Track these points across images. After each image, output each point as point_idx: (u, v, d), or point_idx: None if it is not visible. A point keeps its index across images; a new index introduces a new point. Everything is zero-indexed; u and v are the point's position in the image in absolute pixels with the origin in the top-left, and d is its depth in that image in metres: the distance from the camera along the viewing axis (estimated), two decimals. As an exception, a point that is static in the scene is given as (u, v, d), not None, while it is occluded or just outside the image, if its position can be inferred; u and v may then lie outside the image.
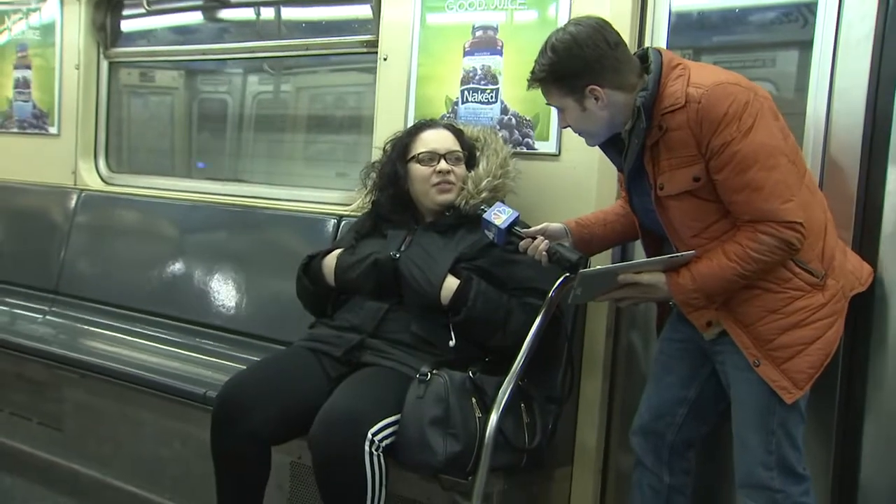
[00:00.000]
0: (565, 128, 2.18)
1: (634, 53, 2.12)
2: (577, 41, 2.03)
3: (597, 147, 2.32)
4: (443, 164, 2.53)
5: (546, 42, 2.08)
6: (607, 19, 2.10)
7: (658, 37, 2.52)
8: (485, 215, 2.31)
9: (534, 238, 2.26)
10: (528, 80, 2.13)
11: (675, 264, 2.06)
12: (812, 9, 2.28)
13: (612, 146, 2.18)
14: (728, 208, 2.00)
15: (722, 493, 2.46)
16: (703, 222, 2.04)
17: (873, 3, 2.18)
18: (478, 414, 2.23)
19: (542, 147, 2.70)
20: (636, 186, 2.16)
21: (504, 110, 2.77)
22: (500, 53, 2.77)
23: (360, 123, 3.54)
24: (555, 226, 2.30)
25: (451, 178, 2.52)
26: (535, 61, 2.10)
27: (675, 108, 1.98)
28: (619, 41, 2.07)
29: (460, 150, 2.57)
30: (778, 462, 2.05)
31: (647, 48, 2.11)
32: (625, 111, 2.06)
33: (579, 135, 2.19)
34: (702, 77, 2.00)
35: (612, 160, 2.26)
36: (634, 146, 2.06)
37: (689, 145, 1.98)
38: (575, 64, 2.03)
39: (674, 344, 2.30)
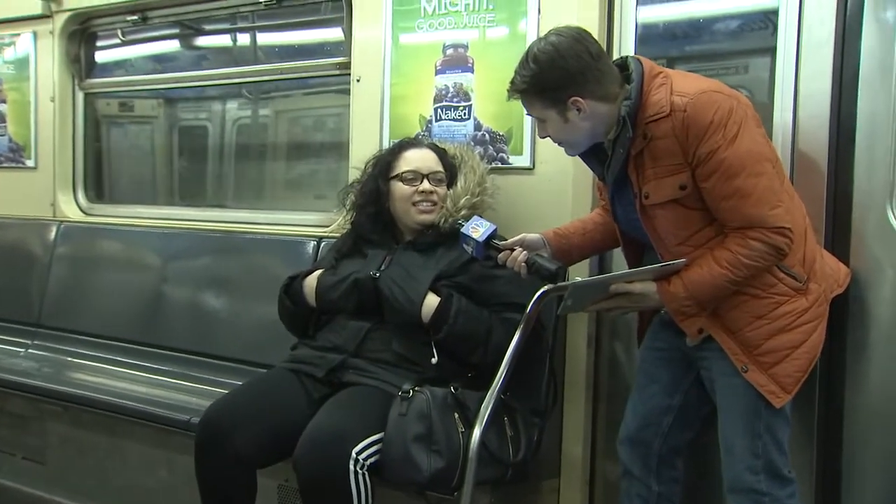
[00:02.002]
0: (545, 138, 2.17)
1: (613, 62, 2.12)
2: (559, 52, 2.02)
3: (571, 158, 2.34)
4: (425, 185, 2.54)
5: (527, 53, 2.07)
6: (578, 31, 2.10)
7: (626, 49, 2.54)
8: (462, 229, 2.32)
9: (512, 249, 2.26)
10: (509, 91, 2.12)
11: (666, 273, 2.07)
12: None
13: (593, 156, 2.19)
14: (715, 216, 2.02)
15: (710, 499, 2.46)
16: (689, 230, 2.05)
17: (832, 7, 2.22)
18: (461, 429, 2.24)
19: (516, 161, 2.72)
20: (619, 195, 2.16)
21: (477, 126, 2.79)
22: (472, 70, 2.79)
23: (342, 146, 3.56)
24: (532, 236, 2.30)
25: (434, 198, 2.54)
26: (516, 72, 2.09)
27: (659, 116, 1.99)
28: (601, 51, 2.08)
29: (443, 170, 2.58)
30: (765, 466, 2.06)
31: (627, 57, 2.12)
32: (606, 121, 2.07)
33: (559, 145, 2.18)
34: (685, 85, 2.01)
35: (592, 169, 2.27)
36: (619, 155, 2.06)
37: (675, 154, 1.99)
38: (558, 76, 2.03)
39: (656, 353, 2.31)
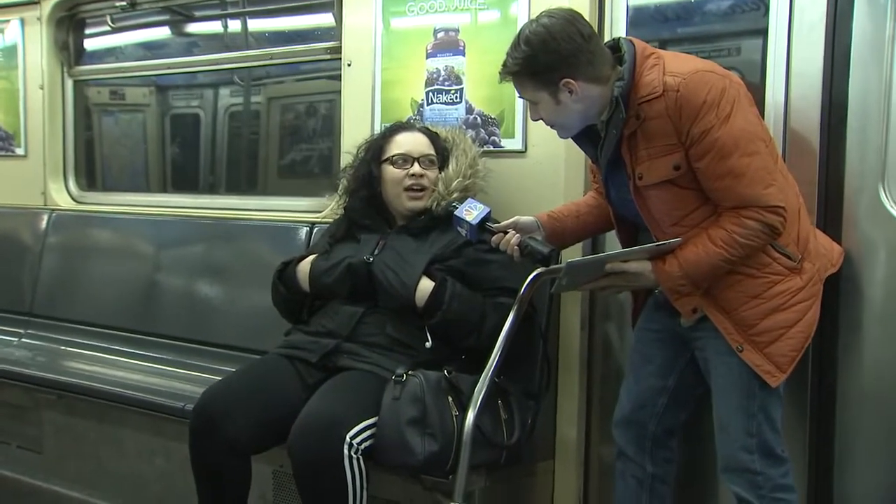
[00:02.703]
0: (537, 120, 2.16)
1: (605, 44, 2.11)
2: (551, 34, 2.02)
3: (563, 141, 2.33)
4: (416, 168, 2.54)
5: (519, 35, 2.07)
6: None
7: (617, 31, 2.53)
8: (456, 212, 2.32)
9: (505, 232, 2.26)
10: (500, 73, 2.12)
11: (661, 252, 2.07)
12: (768, -4, 2.32)
13: (586, 137, 2.18)
14: (709, 195, 2.02)
15: (704, 479, 2.47)
16: (683, 210, 2.05)
17: (824, -13, 2.22)
18: (455, 412, 2.24)
19: (508, 144, 2.71)
20: (613, 177, 2.16)
21: (469, 110, 2.78)
22: (463, 54, 2.78)
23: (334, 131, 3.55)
24: (525, 219, 2.30)
25: (424, 181, 2.53)
26: (508, 54, 2.08)
27: (652, 97, 1.99)
28: (592, 33, 2.07)
29: (434, 153, 2.58)
30: (759, 445, 2.07)
31: (619, 38, 2.11)
32: (599, 103, 2.07)
33: (552, 127, 2.18)
34: (677, 65, 2.01)
35: (585, 152, 2.27)
36: (612, 137, 2.07)
37: (668, 134, 1.99)
38: (550, 58, 2.02)
39: (650, 334, 2.31)
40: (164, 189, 4.37)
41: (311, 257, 2.62)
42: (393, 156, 2.56)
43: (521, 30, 2.08)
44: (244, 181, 4.28)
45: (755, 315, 2.03)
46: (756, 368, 2.03)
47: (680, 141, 1.99)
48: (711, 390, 2.15)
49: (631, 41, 2.08)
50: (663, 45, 2.50)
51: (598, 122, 2.11)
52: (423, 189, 2.53)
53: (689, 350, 2.23)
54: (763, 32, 2.34)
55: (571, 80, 2.03)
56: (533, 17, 2.22)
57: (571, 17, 2.06)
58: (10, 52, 4.07)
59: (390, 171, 2.56)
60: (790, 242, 2.05)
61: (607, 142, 2.09)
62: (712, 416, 2.16)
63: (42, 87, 3.99)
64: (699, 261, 2.01)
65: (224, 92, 4.27)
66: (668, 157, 2.01)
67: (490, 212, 2.30)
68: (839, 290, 2.23)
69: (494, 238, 2.28)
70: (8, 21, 4.06)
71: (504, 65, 2.10)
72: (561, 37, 2.02)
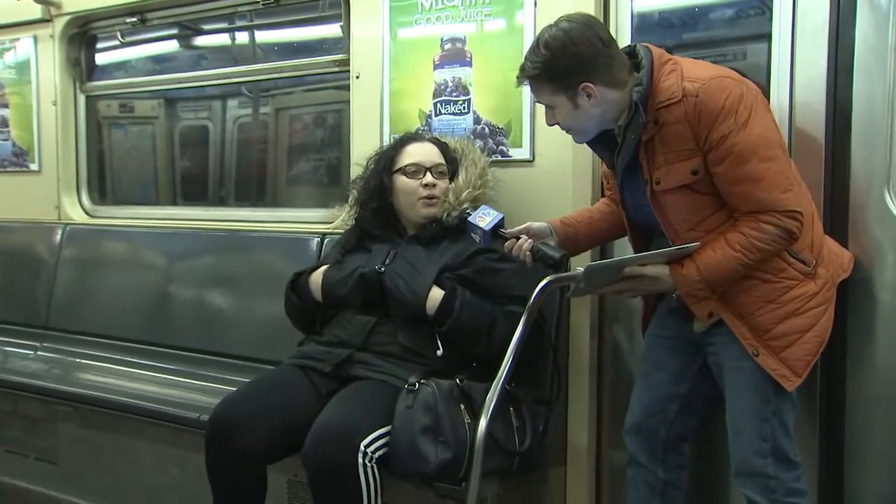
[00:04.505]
0: (553, 125, 2.16)
1: (621, 50, 2.13)
2: (571, 38, 2.03)
3: (570, 150, 2.36)
4: (428, 178, 2.56)
5: (538, 39, 2.07)
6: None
7: (623, 37, 2.54)
8: (469, 218, 2.34)
9: (518, 238, 2.28)
10: (518, 77, 2.12)
11: (679, 256, 2.08)
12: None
13: (600, 142, 2.19)
14: (727, 200, 2.03)
15: (717, 483, 2.48)
16: (700, 215, 2.06)
17: (826, -8, 2.23)
18: (467, 420, 2.26)
19: (516, 154, 2.73)
20: (629, 182, 2.17)
21: (477, 120, 2.80)
22: (470, 65, 2.80)
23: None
24: (538, 224, 2.31)
25: (436, 191, 2.55)
26: (526, 58, 2.09)
27: (671, 102, 2.00)
28: (611, 38, 2.09)
29: (445, 163, 2.60)
30: (772, 449, 2.08)
31: (635, 45, 2.13)
32: (616, 108, 2.08)
33: (567, 132, 2.18)
34: (695, 71, 2.03)
35: (600, 156, 2.28)
36: (630, 142, 2.07)
37: (687, 139, 2.01)
38: (569, 62, 2.03)
39: (663, 341, 2.32)
40: (174, 201, 4.40)
41: (323, 268, 2.64)
42: (405, 166, 2.58)
43: (541, 34, 2.08)
44: (253, 192, 4.30)
45: (771, 320, 2.05)
46: (772, 373, 2.04)
47: (698, 146, 2.00)
48: (725, 395, 2.16)
49: (647, 47, 2.09)
50: (668, 51, 2.51)
51: (615, 127, 2.11)
52: (436, 198, 2.55)
53: (701, 356, 2.24)
54: (768, 37, 2.34)
55: (590, 84, 2.04)
56: (539, 26, 2.23)
57: (590, 21, 2.08)
58: (24, 68, 4.11)
59: (403, 182, 2.58)
60: (804, 248, 2.06)
61: (625, 147, 2.10)
62: (723, 422, 2.16)
63: (55, 103, 4.02)
64: (717, 265, 2.02)
65: (232, 103, 4.29)
66: (686, 161, 2.02)
67: (503, 218, 2.32)
68: (847, 294, 2.24)
69: (507, 244, 2.29)
70: (20, 39, 4.10)
71: (522, 69, 2.10)
72: (580, 41, 2.03)
